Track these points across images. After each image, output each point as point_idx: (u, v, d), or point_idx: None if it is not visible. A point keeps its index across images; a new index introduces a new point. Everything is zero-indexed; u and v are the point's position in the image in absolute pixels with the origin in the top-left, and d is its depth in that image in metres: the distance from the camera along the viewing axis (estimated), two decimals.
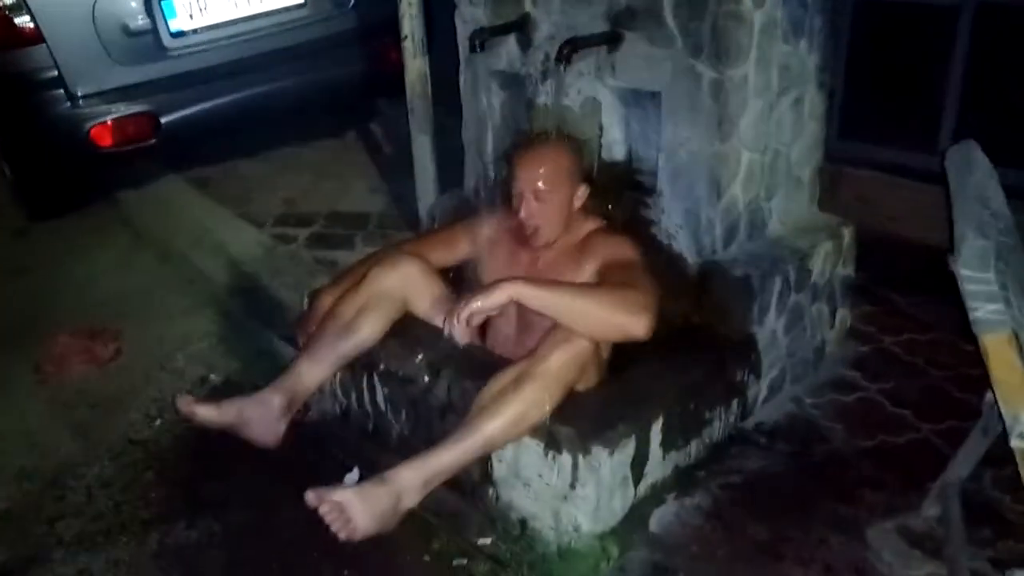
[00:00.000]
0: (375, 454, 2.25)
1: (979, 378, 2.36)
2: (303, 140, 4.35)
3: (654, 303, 1.79)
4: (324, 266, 3.10)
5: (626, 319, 1.76)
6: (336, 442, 2.33)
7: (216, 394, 2.61)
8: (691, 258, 2.13)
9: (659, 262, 2.09)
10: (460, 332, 1.83)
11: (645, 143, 2.25)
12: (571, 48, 1.98)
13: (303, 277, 3.01)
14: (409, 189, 3.65)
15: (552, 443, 1.80)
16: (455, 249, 2.30)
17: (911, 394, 2.33)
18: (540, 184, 1.97)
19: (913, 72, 3.27)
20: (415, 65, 2.71)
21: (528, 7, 2.24)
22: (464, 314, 1.80)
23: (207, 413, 2.00)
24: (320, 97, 3.78)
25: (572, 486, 1.79)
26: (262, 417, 2.02)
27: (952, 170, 1.48)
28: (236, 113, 3.53)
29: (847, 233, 2.33)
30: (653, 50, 2.01)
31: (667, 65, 1.99)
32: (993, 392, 1.58)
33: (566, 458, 1.78)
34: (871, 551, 1.81)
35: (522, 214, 2.00)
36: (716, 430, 2.07)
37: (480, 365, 2.00)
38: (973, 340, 2.53)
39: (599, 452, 1.75)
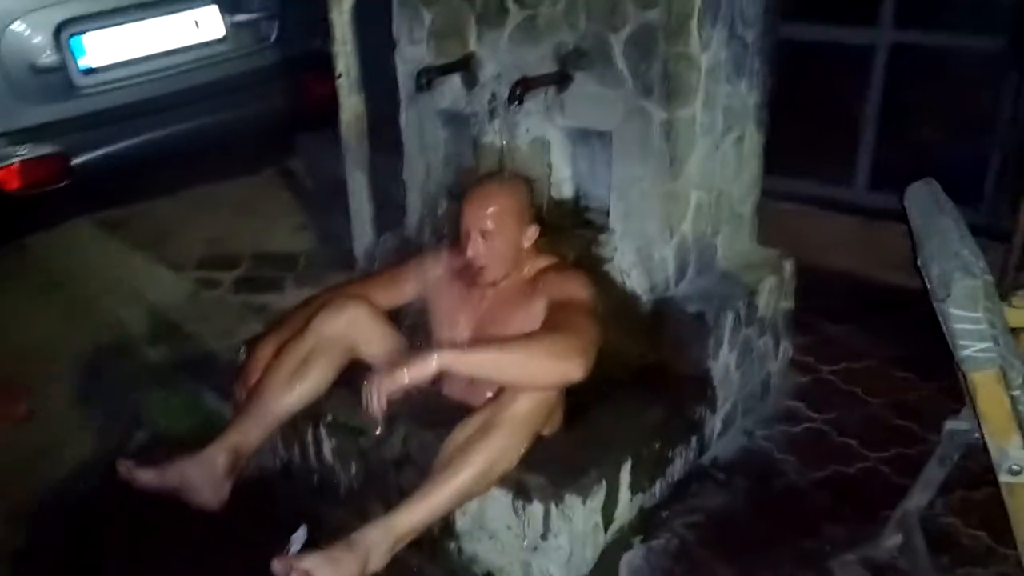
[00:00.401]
0: (322, 511, 2.15)
1: (915, 405, 2.48)
2: (221, 178, 4.18)
3: (590, 344, 1.74)
4: (254, 311, 2.96)
5: (560, 365, 1.71)
6: (279, 499, 2.21)
7: (144, 452, 2.45)
8: (644, 296, 2.12)
9: (612, 300, 2.07)
10: (378, 408, 1.71)
11: (593, 181, 2.25)
12: (523, 88, 1.96)
13: (233, 324, 2.87)
14: (338, 227, 3.55)
15: (521, 493, 1.75)
16: (401, 290, 2.23)
17: (854, 423, 2.39)
18: (487, 223, 1.92)
19: (831, 109, 3.42)
20: (351, 103, 2.65)
21: (473, 46, 2.21)
22: (384, 389, 1.70)
23: (149, 478, 1.86)
24: (241, 134, 3.64)
25: (544, 537, 1.74)
26: (206, 479, 1.89)
27: (916, 209, 1.52)
28: (152, 152, 3.37)
29: (788, 266, 2.39)
30: (603, 90, 2.01)
31: (618, 105, 1.99)
32: (977, 422, 1.62)
33: (537, 508, 1.73)
34: None
35: (469, 253, 1.96)
36: (677, 468, 2.06)
37: (438, 413, 1.93)
38: (905, 368, 2.66)
39: (572, 500, 1.70)
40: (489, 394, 1.90)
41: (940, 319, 1.37)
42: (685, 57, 1.93)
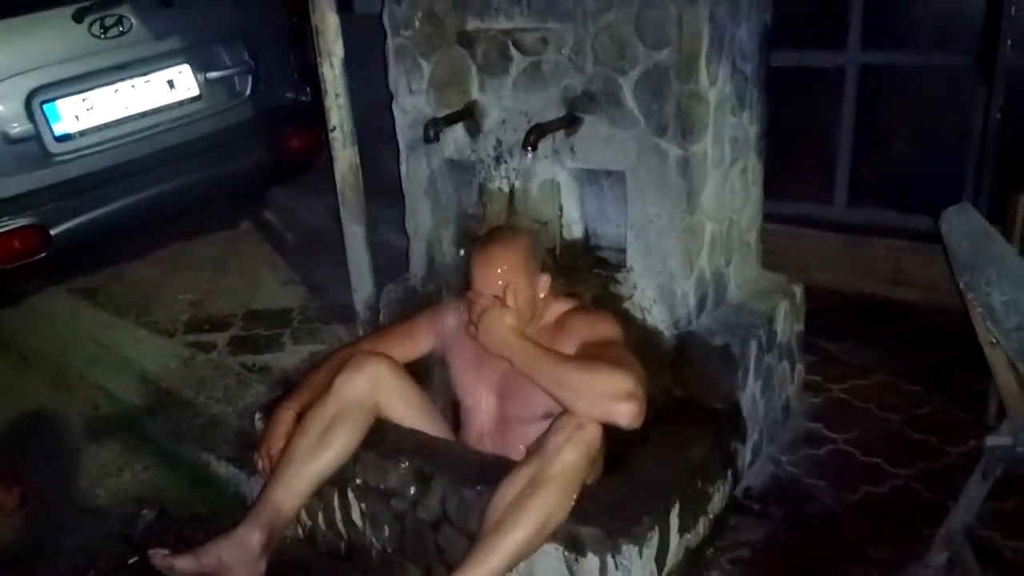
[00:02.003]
0: None
1: (930, 419, 2.51)
2: (195, 234, 4.08)
3: (642, 390, 1.73)
4: (255, 373, 2.87)
5: (613, 406, 1.70)
6: (305, 571, 2.13)
7: (152, 532, 2.35)
8: (667, 331, 2.12)
9: (635, 337, 2.06)
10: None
11: (603, 220, 2.25)
12: (538, 134, 1.95)
13: (234, 387, 2.79)
14: (329, 279, 3.50)
15: (575, 546, 1.71)
16: (418, 343, 2.19)
17: (876, 441, 2.40)
18: (495, 290, 1.89)
19: (806, 130, 3.48)
20: (345, 155, 2.60)
21: (475, 94, 2.21)
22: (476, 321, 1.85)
23: (186, 565, 1.78)
24: (219, 191, 3.58)
25: None
26: (242, 560, 1.82)
27: (958, 233, 1.54)
28: (132, 216, 3.28)
29: (798, 291, 2.41)
30: (615, 131, 2.01)
31: (630, 145, 2.00)
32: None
33: (592, 560, 1.69)
34: None
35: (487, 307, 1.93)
36: (716, 504, 2.04)
37: (476, 469, 1.89)
38: (912, 381, 2.70)
39: (629, 550, 1.67)
40: (522, 447, 1.87)
41: (1001, 341, 1.37)
42: (696, 94, 1.95)
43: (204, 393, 2.78)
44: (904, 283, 3.27)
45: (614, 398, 1.69)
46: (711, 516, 2.02)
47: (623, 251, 2.16)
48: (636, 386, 1.71)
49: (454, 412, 2.20)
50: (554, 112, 2.07)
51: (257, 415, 2.24)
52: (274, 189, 4.36)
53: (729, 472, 2.09)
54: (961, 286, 1.55)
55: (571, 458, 1.70)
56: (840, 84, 3.35)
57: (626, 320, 2.10)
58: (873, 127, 3.38)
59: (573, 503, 1.71)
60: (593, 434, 1.73)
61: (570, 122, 2.05)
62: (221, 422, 2.63)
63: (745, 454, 2.18)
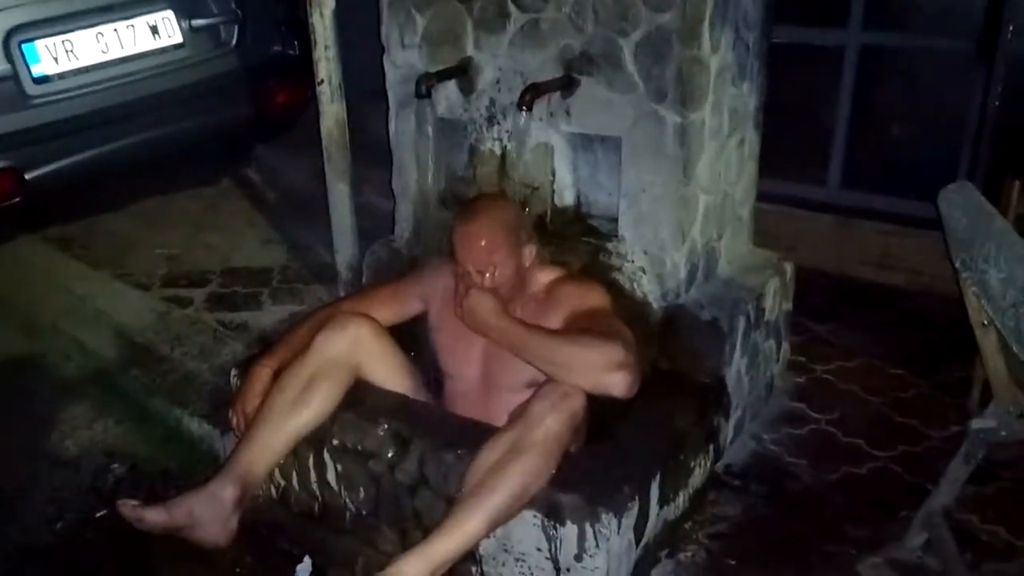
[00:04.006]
0: (326, 539, 2.05)
1: (913, 402, 2.50)
2: (175, 189, 3.99)
3: (634, 358, 1.72)
4: (232, 331, 2.81)
5: (610, 376, 1.68)
6: (278, 530, 2.09)
7: (123, 485, 2.30)
8: (655, 302, 2.09)
9: (623, 308, 2.03)
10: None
11: (595, 187, 2.21)
12: (533, 94, 1.90)
13: (210, 344, 2.73)
14: (310, 239, 3.44)
15: (553, 513, 1.68)
16: (404, 305, 2.14)
17: (858, 423, 2.39)
18: (482, 259, 1.85)
19: (802, 109, 3.44)
20: (332, 111, 2.54)
21: (471, 51, 2.14)
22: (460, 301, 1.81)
23: (155, 517, 1.74)
24: (201, 143, 3.49)
25: (578, 558, 1.68)
26: (214, 514, 1.78)
27: (957, 211, 1.51)
28: (110, 165, 3.19)
29: (788, 269, 2.38)
30: (612, 95, 1.96)
31: (628, 110, 1.95)
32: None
33: (570, 528, 1.67)
34: None
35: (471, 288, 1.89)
36: (697, 478, 2.02)
37: (454, 433, 1.85)
38: (896, 364, 2.69)
39: (608, 519, 1.65)
40: (506, 415, 1.84)
41: (995, 319, 1.35)
42: (697, 60, 1.90)
43: (179, 349, 2.72)
44: (891, 267, 3.26)
45: (607, 369, 1.67)
46: (691, 490, 2.00)
47: (615, 220, 2.12)
48: (628, 355, 1.68)
49: (437, 378, 2.17)
50: (551, 73, 2.02)
51: (233, 372, 2.19)
52: (258, 146, 4.27)
53: (711, 447, 2.07)
54: (957, 264, 1.52)
55: (554, 425, 1.67)
56: (839, 63, 3.32)
57: (615, 290, 2.06)
58: (870, 109, 3.35)
59: (554, 471, 1.68)
60: (578, 402, 1.70)
61: (567, 84, 1.99)
62: (196, 378, 2.58)
63: (728, 430, 2.16)
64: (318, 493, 2.07)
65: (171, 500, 1.78)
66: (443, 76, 2.11)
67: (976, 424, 1.71)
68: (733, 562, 1.89)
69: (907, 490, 2.12)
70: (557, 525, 1.68)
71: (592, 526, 1.64)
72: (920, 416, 2.42)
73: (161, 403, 2.54)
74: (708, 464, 2.08)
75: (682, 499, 1.96)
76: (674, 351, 2.08)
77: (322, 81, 2.50)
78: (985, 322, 1.57)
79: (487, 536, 1.68)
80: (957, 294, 3.01)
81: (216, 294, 3.09)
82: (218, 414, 2.35)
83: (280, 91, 3.58)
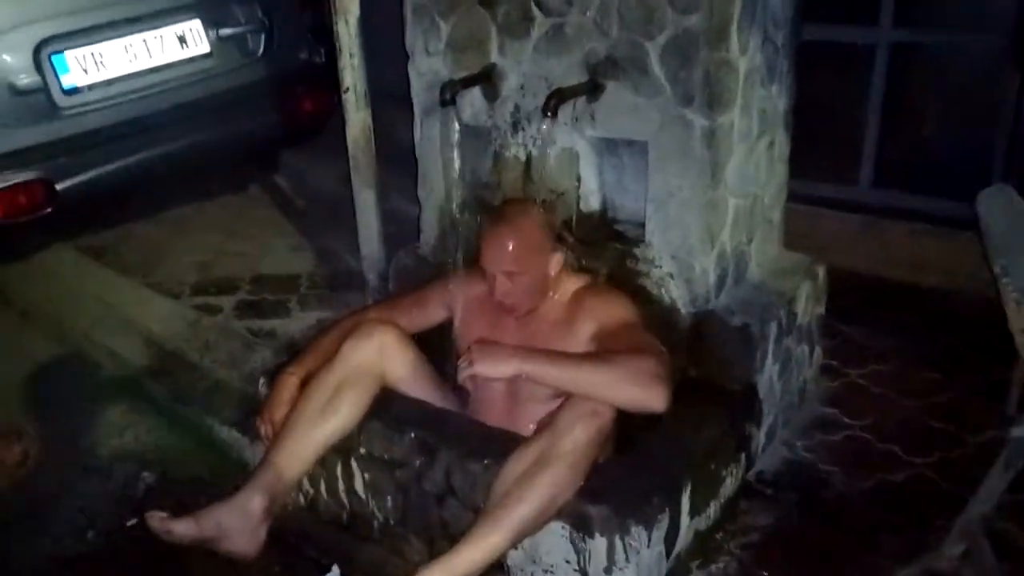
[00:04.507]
0: (353, 548, 2.05)
1: (948, 407, 2.45)
2: (204, 197, 4.03)
3: (668, 371, 1.71)
4: (261, 338, 2.83)
5: (644, 393, 1.67)
6: (305, 538, 2.09)
7: (153, 495, 2.32)
8: (684, 308, 2.06)
9: (651, 315, 2.00)
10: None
11: (621, 192, 2.18)
12: (558, 99, 1.88)
13: (239, 352, 2.74)
14: (337, 246, 3.45)
15: (582, 525, 1.66)
16: (428, 313, 2.14)
17: (893, 428, 2.34)
18: (509, 265, 1.84)
19: (832, 107, 3.39)
20: (358, 118, 2.54)
21: (495, 57, 2.13)
22: (464, 375, 1.71)
23: (185, 529, 1.74)
24: (229, 152, 3.51)
25: (607, 571, 1.66)
26: (242, 526, 1.78)
27: (995, 214, 1.47)
28: (139, 174, 3.21)
29: (820, 272, 2.34)
30: (638, 99, 1.94)
31: (654, 114, 1.92)
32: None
33: (599, 541, 1.65)
34: None
35: (496, 294, 1.88)
36: (728, 488, 1.99)
37: (483, 442, 1.84)
38: (931, 368, 2.64)
39: (638, 532, 1.62)
40: (532, 426, 1.83)
41: None
42: (725, 63, 1.87)
43: (209, 356, 2.73)
44: (924, 268, 3.19)
45: (643, 387, 1.65)
46: (722, 500, 1.97)
47: (641, 225, 2.10)
48: (662, 369, 1.68)
49: (462, 387, 2.16)
50: (576, 78, 2.00)
51: (261, 380, 2.19)
52: (285, 152, 4.29)
53: (742, 455, 2.04)
54: (996, 269, 1.48)
55: (583, 436, 1.65)
56: (870, 60, 3.26)
57: (642, 297, 2.04)
58: (902, 107, 3.29)
59: (582, 483, 1.66)
60: (607, 414, 1.69)
61: (592, 88, 1.97)
62: (225, 386, 2.59)
63: (759, 437, 2.13)
64: (346, 502, 2.07)
65: (199, 512, 1.78)
66: (467, 83, 2.10)
67: (1017, 431, 1.66)
68: (765, 573, 1.86)
69: (943, 498, 2.07)
70: (586, 537, 1.66)
71: (622, 539, 1.62)
72: (956, 421, 2.37)
73: (191, 411, 2.55)
74: (739, 473, 2.04)
75: (713, 509, 1.93)
76: (704, 359, 2.04)
77: (348, 88, 2.50)
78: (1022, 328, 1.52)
79: (513, 548, 1.67)
80: (992, 295, 2.95)
81: (245, 301, 3.10)
82: (247, 422, 2.36)
83: (307, 99, 3.60)
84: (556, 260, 1.90)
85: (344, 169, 2.74)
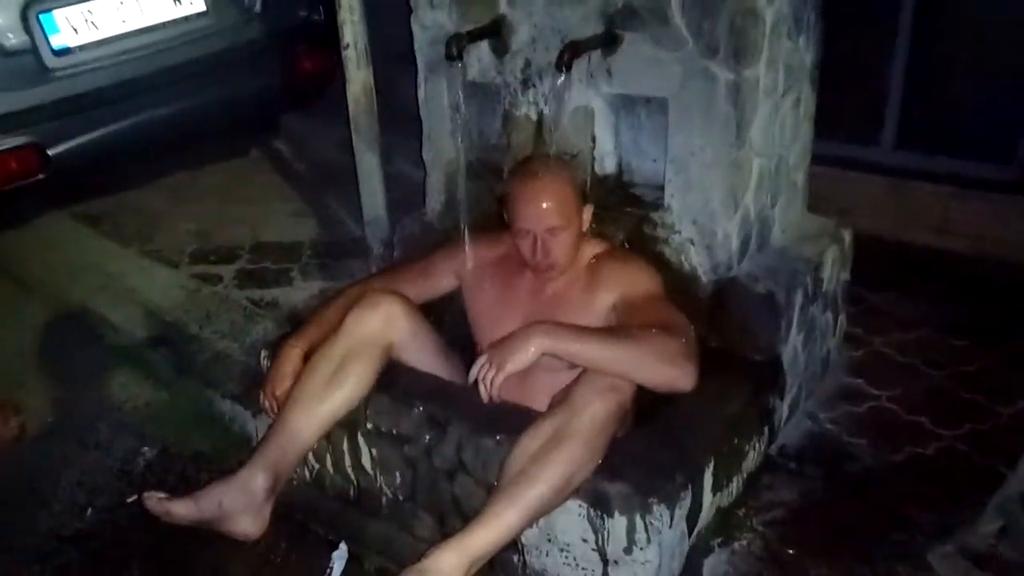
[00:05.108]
0: (361, 524, 1.98)
1: (979, 376, 2.35)
2: (203, 162, 3.92)
3: (696, 347, 1.63)
4: (263, 308, 2.74)
5: (672, 371, 1.59)
6: (312, 514, 2.02)
7: (153, 469, 2.25)
8: (705, 276, 1.96)
9: (671, 282, 1.90)
10: (494, 393, 1.62)
11: (638, 154, 2.07)
12: (572, 53, 1.76)
13: (241, 322, 2.65)
14: (340, 213, 3.35)
15: (600, 503, 1.58)
16: (436, 282, 2.05)
17: (920, 399, 2.25)
18: (553, 220, 1.74)
19: (856, 66, 3.24)
20: (359, 77, 2.42)
21: (504, 8, 2.01)
22: (498, 381, 1.59)
23: (184, 510, 1.67)
24: (227, 115, 3.39)
25: (628, 551, 1.58)
26: (245, 505, 1.70)
27: None
28: (135, 139, 3.11)
29: (847, 236, 2.23)
30: (658, 52, 1.82)
31: (676, 68, 1.81)
32: None
33: (619, 520, 1.56)
34: None
35: (536, 255, 1.77)
36: (751, 462, 1.91)
37: (495, 417, 1.75)
38: (959, 336, 2.54)
39: (660, 511, 1.54)
40: (545, 398, 1.73)
41: None
42: (751, 11, 1.75)
43: (209, 327, 2.65)
44: (950, 232, 3.07)
45: (672, 366, 1.58)
46: (745, 475, 1.89)
47: (660, 188, 1.99)
48: (690, 346, 1.60)
49: (472, 358, 2.07)
50: (591, 29, 1.88)
51: (264, 352, 2.11)
52: (285, 116, 4.17)
53: (765, 428, 1.95)
54: None
55: (601, 413, 1.56)
56: (895, 16, 3.10)
57: (660, 264, 1.94)
58: (927, 63, 3.14)
59: (599, 461, 1.57)
60: (627, 389, 1.60)
61: (608, 41, 1.85)
62: (226, 358, 2.50)
63: (782, 410, 2.04)
64: (353, 477, 1.99)
65: (200, 492, 1.70)
66: (474, 36, 1.97)
67: None
68: (792, 551, 1.78)
69: (976, 472, 1.98)
70: (604, 516, 1.58)
71: (644, 518, 1.54)
72: (987, 391, 2.27)
73: (192, 384, 2.48)
74: (762, 447, 1.96)
75: (736, 484, 1.85)
76: (725, 328, 1.95)
77: (348, 45, 2.38)
78: None
79: (528, 527, 1.58)
80: (1018, 261, 2.84)
81: (246, 270, 3.01)
82: (249, 395, 2.28)
83: (307, 59, 3.48)
84: (587, 216, 1.81)
85: (346, 133, 2.63)
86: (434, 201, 2.36)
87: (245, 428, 2.30)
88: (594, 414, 1.55)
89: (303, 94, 3.67)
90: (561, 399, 1.63)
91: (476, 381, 1.65)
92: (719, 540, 1.80)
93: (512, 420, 1.71)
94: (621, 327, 1.65)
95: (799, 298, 1.97)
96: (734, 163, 1.84)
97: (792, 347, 2.00)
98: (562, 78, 1.78)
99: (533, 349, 1.58)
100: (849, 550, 1.77)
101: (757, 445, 1.92)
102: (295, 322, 2.41)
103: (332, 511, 2.03)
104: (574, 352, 1.59)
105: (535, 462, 1.54)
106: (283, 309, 2.73)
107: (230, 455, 2.22)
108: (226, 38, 3.20)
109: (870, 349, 2.48)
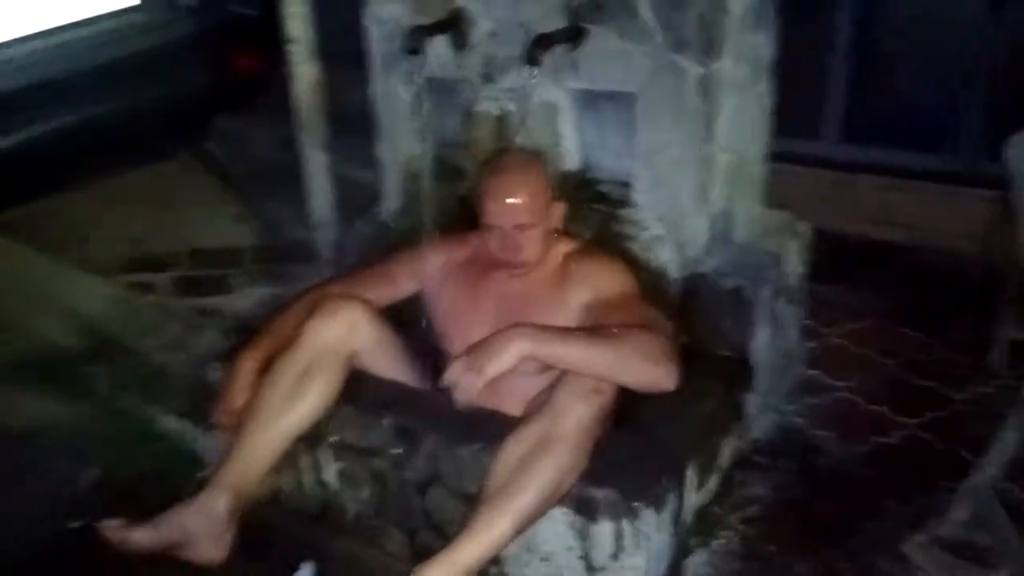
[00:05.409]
0: (326, 542, 1.88)
1: (931, 364, 2.40)
2: (131, 166, 3.71)
3: (675, 346, 1.60)
4: (206, 317, 2.60)
5: (658, 372, 1.55)
6: (273, 532, 1.92)
7: (96, 493, 2.10)
8: (674, 273, 1.93)
9: (641, 280, 1.87)
10: (472, 398, 1.54)
11: (601, 150, 2.02)
12: (542, 46, 1.71)
13: (183, 334, 2.51)
14: (283, 215, 3.22)
15: (586, 509, 1.53)
16: (398, 285, 1.97)
17: (878, 389, 2.29)
18: (522, 216, 1.69)
19: (798, 61, 3.28)
20: (305, 72, 2.32)
21: (461, 1, 1.94)
22: (478, 386, 1.52)
23: (143, 537, 1.55)
24: (159, 116, 3.23)
25: (615, 557, 1.54)
26: (208, 529, 1.60)
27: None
28: (60, 141, 2.93)
29: (805, 230, 2.24)
30: (626, 46, 1.78)
31: (644, 62, 1.78)
32: None
33: (605, 526, 1.52)
34: (921, 571, 1.70)
35: (504, 252, 1.72)
36: (726, 459, 1.89)
37: (471, 425, 1.68)
38: (908, 325, 2.59)
39: (647, 514, 1.50)
40: (518, 402, 1.67)
41: None
42: (720, 5, 1.73)
43: (150, 340, 2.50)
44: (890, 223, 3.14)
45: (655, 366, 1.54)
46: (719, 473, 1.87)
47: (625, 185, 1.96)
48: (670, 345, 1.57)
49: (436, 364, 2.01)
50: (555, 23, 1.83)
51: (215, 365, 1.99)
52: (217, 116, 4.00)
53: (738, 425, 1.94)
54: None
55: (586, 416, 1.51)
56: (838, 9, 3.16)
57: (629, 261, 1.91)
58: (870, 58, 3.20)
59: (585, 466, 1.52)
60: (609, 391, 1.55)
61: (574, 34, 1.81)
62: (170, 371, 2.36)
63: (753, 405, 2.03)
64: (315, 493, 1.90)
65: (159, 517, 1.59)
66: (432, 30, 1.90)
67: None
68: (771, 548, 1.77)
69: (941, 458, 2.02)
70: (589, 523, 1.53)
71: (631, 522, 1.50)
72: (940, 378, 2.33)
73: (133, 400, 2.33)
74: (735, 443, 1.95)
75: (712, 483, 1.83)
76: (696, 324, 1.93)
77: (294, 40, 2.28)
78: None
79: (516, 538, 1.53)
80: (959, 249, 2.92)
81: (184, 278, 2.87)
82: (198, 411, 2.16)
83: (243, 56, 3.33)
84: (558, 213, 1.76)
85: (284, 132, 2.53)
86: (390, 201, 2.28)
87: (194, 446, 2.18)
88: (579, 418, 1.51)
89: (239, 92, 3.53)
90: (541, 403, 1.57)
91: (449, 387, 1.58)
92: (698, 540, 1.78)
93: (489, 427, 1.65)
94: (602, 328, 1.60)
95: (767, 293, 1.96)
96: (704, 158, 1.83)
97: (761, 342, 1.99)
98: (534, 72, 1.73)
99: (515, 352, 1.52)
100: (828, 544, 1.77)
101: (731, 442, 1.90)
102: (243, 332, 2.29)
103: (294, 529, 1.93)
104: (558, 355, 1.54)
105: (522, 470, 1.48)
106: (228, 318, 2.61)
107: (178, 475, 2.09)
108: (159, 34, 3.04)
109: (824, 341, 2.52)
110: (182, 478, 2.09)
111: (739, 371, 1.93)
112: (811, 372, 2.36)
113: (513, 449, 1.51)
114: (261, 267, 2.91)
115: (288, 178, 2.69)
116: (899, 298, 2.72)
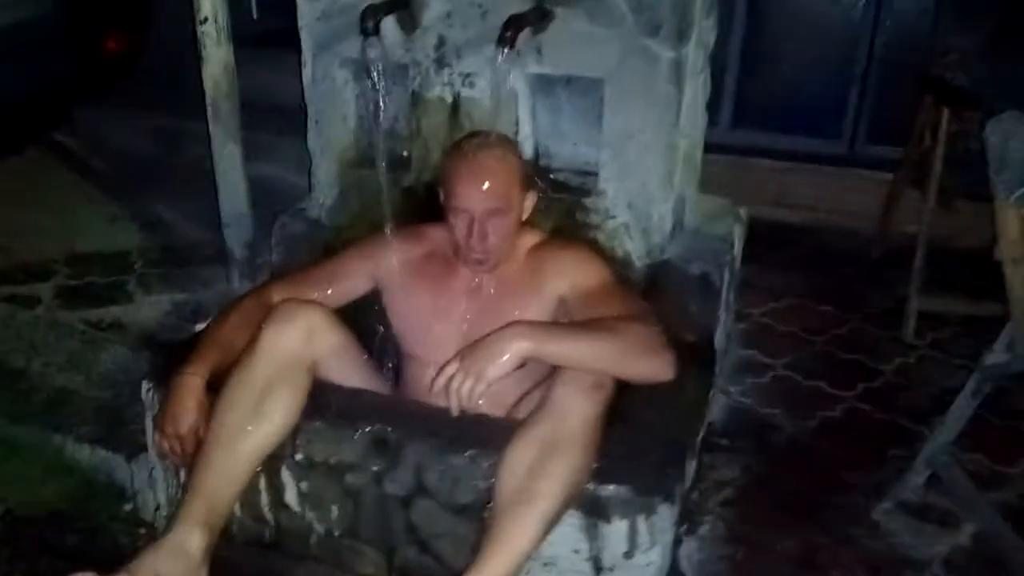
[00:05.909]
0: (285, 570, 1.73)
1: (851, 338, 2.53)
2: None
3: (665, 335, 1.57)
4: (104, 331, 2.31)
5: (657, 362, 1.53)
6: (222, 566, 1.73)
7: (4, 539, 1.82)
8: (639, 261, 1.91)
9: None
10: (473, 405, 1.45)
11: (557, 137, 1.97)
12: (517, 27, 1.62)
13: (79, 350, 2.23)
14: (166, 214, 2.93)
15: (597, 510, 1.48)
16: (349, 286, 1.83)
17: (811, 364, 2.39)
18: (495, 202, 1.60)
19: None
20: (218, 55, 2.10)
21: None
22: (478, 392, 1.42)
23: None
24: (17, 103, 2.84)
25: (628, 555, 1.49)
26: (184, 570, 1.41)
27: (1016, 143, 1.43)
28: None
29: (744, 214, 2.29)
30: (594, 29, 1.73)
31: (613, 47, 1.73)
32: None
33: (618, 525, 1.47)
34: (894, 537, 1.78)
35: (471, 240, 1.62)
36: (696, 445, 1.89)
37: (455, 431, 1.58)
38: (822, 301, 2.72)
39: (663, 509, 1.47)
40: (488, 403, 1.58)
41: None
42: None
43: (39, 360, 2.19)
44: (787, 205, 3.30)
45: (654, 356, 1.52)
46: (692, 459, 1.87)
47: (583, 173, 1.92)
48: (663, 334, 1.54)
49: (395, 367, 1.89)
50: (516, 4, 1.74)
51: (146, 385, 1.76)
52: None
53: (706, 410, 1.95)
54: (1014, 198, 1.45)
55: (591, 413, 1.45)
56: (731, 3, 3.26)
57: (595, 251, 1.86)
58: (761, 46, 3.34)
59: (596, 465, 1.47)
60: (609, 385, 1.50)
61: (539, 16, 1.73)
62: (72, 394, 2.09)
63: (714, 389, 2.05)
64: (270, 518, 1.73)
65: (131, 563, 1.37)
66: (389, 9, 1.76)
67: (990, 359, 1.69)
68: (754, 529, 1.79)
69: (883, 427, 2.13)
70: (600, 523, 1.48)
71: (648, 519, 1.46)
72: (863, 351, 2.46)
73: (31, 430, 2.03)
74: (703, 429, 1.96)
75: (688, 470, 1.83)
76: (663, 311, 1.90)
77: (205, 19, 2.06)
78: (1016, 257, 1.53)
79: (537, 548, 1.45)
80: (856, 228, 3.09)
81: (67, 287, 2.54)
82: (115, 436, 1.93)
83: (111, 37, 2.99)
84: (529, 203, 1.68)
85: (149, 123, 2.29)
86: (323, 196, 2.11)
87: (114, 476, 1.94)
88: (584, 416, 1.45)
89: (105, 77, 3.17)
90: (541, 403, 1.50)
91: (442, 393, 1.48)
92: (684, 528, 1.77)
93: (480, 432, 1.56)
94: (596, 321, 1.55)
95: (727, 276, 1.98)
96: (670, 145, 1.81)
97: (723, 325, 2.01)
98: (506, 56, 1.63)
99: (515, 352, 1.44)
100: (804, 520, 1.81)
101: (701, 428, 1.91)
102: (157, 344, 2.06)
103: (246, 559, 1.75)
104: (560, 352, 1.47)
105: (535, 476, 1.40)
106: (131, 330, 2.33)
107: (98, 510, 1.87)
108: (20, 11, 2.66)
109: (751, 320, 2.60)
110: (105, 514, 1.87)
111: (705, 356, 1.93)
112: (747, 352, 2.43)
113: (520, 454, 1.43)
114: (157, 271, 2.62)
115: (161, 172, 2.43)
116: (808, 276, 2.86)
